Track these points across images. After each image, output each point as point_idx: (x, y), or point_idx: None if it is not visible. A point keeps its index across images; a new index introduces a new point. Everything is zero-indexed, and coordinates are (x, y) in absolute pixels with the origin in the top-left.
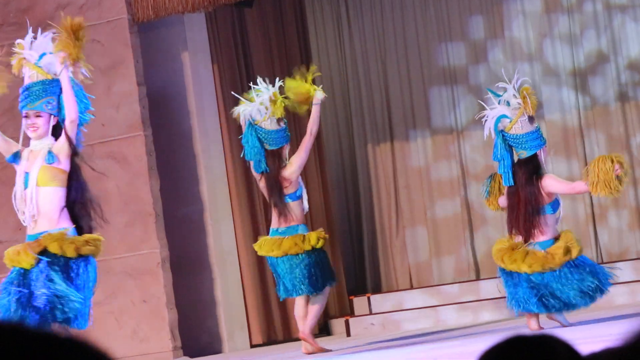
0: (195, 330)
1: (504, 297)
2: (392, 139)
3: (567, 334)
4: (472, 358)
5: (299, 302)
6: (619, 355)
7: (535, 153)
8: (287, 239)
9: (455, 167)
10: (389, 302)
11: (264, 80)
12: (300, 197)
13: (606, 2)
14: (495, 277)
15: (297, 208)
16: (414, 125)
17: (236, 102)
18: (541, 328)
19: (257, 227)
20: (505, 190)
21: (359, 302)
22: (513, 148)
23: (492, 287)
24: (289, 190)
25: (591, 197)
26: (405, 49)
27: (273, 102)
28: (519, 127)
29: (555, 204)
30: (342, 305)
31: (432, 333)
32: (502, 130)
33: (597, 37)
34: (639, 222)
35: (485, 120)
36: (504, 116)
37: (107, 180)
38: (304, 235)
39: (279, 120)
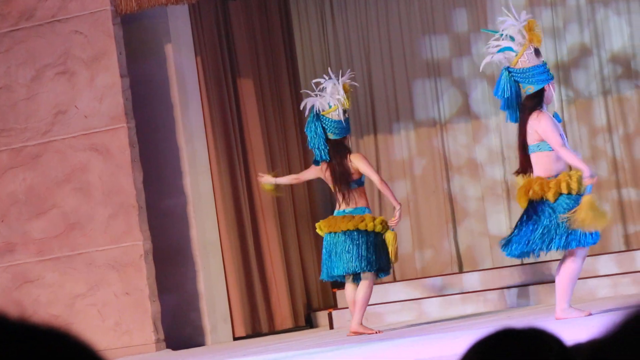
0: (178, 323)
1: (487, 290)
2: (375, 132)
3: (551, 326)
4: (456, 350)
5: (348, 287)
6: (602, 346)
7: (543, 88)
8: (356, 216)
9: (439, 160)
10: (372, 294)
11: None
12: (363, 184)
13: None
14: (478, 270)
15: (361, 193)
16: (397, 118)
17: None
18: None
19: (241, 219)
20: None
21: (342, 295)
22: (520, 85)
23: (475, 279)
24: (354, 177)
25: None
26: (388, 41)
27: (346, 93)
28: (525, 61)
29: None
30: (325, 297)
31: (415, 325)
32: (507, 67)
33: (580, 30)
34: (620, 215)
35: (500, 50)
36: (509, 49)
37: (90, 172)
38: (369, 216)
39: (344, 111)
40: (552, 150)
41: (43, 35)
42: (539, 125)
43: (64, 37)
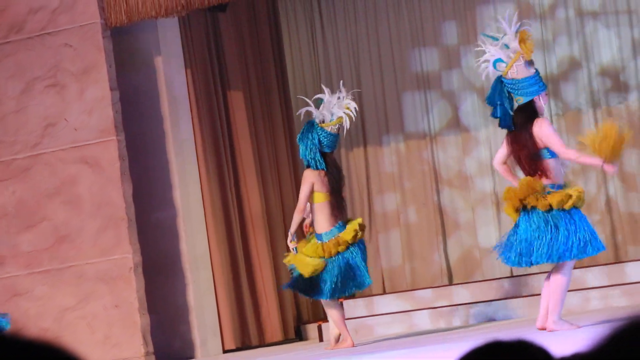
0: (168, 336)
1: (476, 302)
2: (365, 144)
3: (539, 338)
4: None
5: (338, 304)
6: (589, 359)
7: (532, 99)
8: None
9: (429, 172)
10: (362, 307)
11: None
12: None
13: (578, 8)
14: (468, 282)
15: None
16: (387, 131)
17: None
18: None
19: (230, 231)
20: (505, 137)
21: None
22: (512, 94)
23: (465, 291)
24: None
25: None
26: (378, 54)
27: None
28: (514, 72)
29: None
30: (315, 310)
31: (406, 337)
32: (500, 75)
33: (569, 43)
34: (610, 227)
35: (483, 64)
36: (500, 60)
37: (80, 185)
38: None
39: (339, 126)
40: (552, 158)
41: (33, 48)
42: (541, 131)
43: (53, 50)
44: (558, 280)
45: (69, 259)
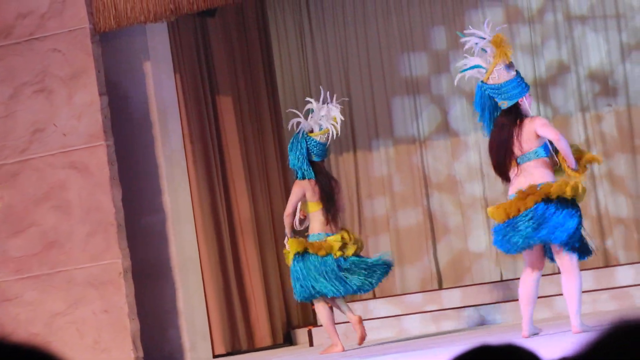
0: (158, 341)
1: (466, 307)
2: (354, 149)
3: (527, 343)
4: None
5: (327, 307)
6: None
7: (517, 102)
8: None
9: (418, 176)
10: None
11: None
12: None
13: (567, 12)
14: (458, 287)
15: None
16: (376, 135)
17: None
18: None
19: (220, 236)
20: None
21: None
22: (495, 99)
23: (455, 296)
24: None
25: None
26: (367, 59)
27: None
28: (495, 77)
29: (546, 147)
30: (305, 315)
31: (395, 342)
32: (481, 81)
33: (558, 47)
34: (599, 232)
35: (464, 70)
36: (479, 66)
37: (69, 190)
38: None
39: (328, 136)
40: (547, 156)
41: (21, 53)
42: (539, 124)
43: (42, 55)
44: (571, 283)
45: (59, 264)
